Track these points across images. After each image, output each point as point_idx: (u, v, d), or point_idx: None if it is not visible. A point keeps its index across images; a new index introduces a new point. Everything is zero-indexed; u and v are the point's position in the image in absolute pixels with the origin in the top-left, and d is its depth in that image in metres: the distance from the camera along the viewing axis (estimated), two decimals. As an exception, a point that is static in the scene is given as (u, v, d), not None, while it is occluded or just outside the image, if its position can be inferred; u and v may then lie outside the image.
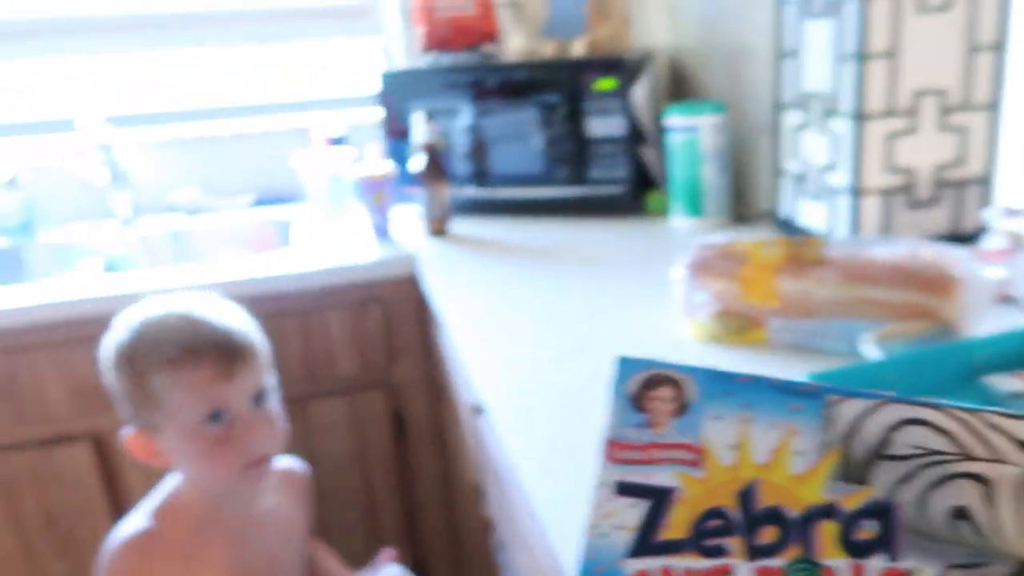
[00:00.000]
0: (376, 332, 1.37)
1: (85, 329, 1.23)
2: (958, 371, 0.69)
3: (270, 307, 1.26)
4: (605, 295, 1.05)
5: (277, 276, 1.29)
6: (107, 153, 1.65)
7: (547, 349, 0.90)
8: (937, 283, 0.77)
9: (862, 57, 0.97)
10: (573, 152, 1.44)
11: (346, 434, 1.40)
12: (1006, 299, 0.88)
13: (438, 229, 1.42)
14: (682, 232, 1.33)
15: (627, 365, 0.41)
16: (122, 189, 1.66)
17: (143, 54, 1.78)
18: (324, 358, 1.36)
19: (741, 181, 1.40)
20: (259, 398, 0.98)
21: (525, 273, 1.17)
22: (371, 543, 1.46)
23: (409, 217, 1.55)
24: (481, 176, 1.51)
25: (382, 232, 1.44)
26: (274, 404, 1.01)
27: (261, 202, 1.76)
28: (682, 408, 0.39)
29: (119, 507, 1.34)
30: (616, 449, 0.39)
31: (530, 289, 1.10)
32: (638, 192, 1.45)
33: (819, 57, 1.06)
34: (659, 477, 0.38)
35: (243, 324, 0.98)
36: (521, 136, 1.46)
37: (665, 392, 0.40)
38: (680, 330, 0.92)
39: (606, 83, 1.38)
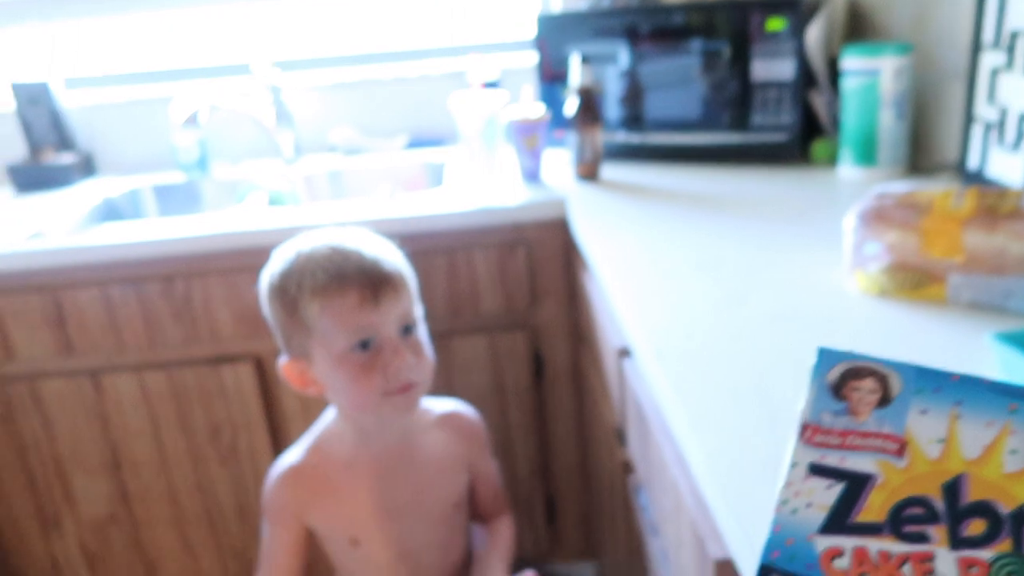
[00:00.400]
0: (521, 273, 1.37)
1: (250, 258, 1.31)
2: None
3: (419, 244, 1.28)
4: (763, 243, 1.00)
5: (428, 215, 1.32)
6: (275, 95, 1.73)
7: (700, 295, 0.87)
8: None
9: (1085, -15, 0.86)
10: (735, 97, 1.37)
11: (485, 371, 1.43)
12: None
13: (588, 173, 1.40)
14: (851, 182, 1.23)
15: (828, 356, 0.42)
16: (286, 129, 1.74)
17: (309, 1, 1.85)
18: (469, 296, 1.38)
19: (920, 129, 1.28)
20: (407, 328, 0.99)
21: (678, 219, 1.13)
22: (506, 480, 1.49)
23: (559, 161, 1.53)
24: (635, 121, 1.46)
25: (533, 175, 1.43)
26: (421, 335, 1.02)
27: (415, 144, 1.80)
28: (884, 400, 0.40)
29: (275, 423, 1.43)
30: (812, 433, 0.41)
31: (683, 235, 1.06)
32: (804, 139, 1.36)
33: (1030, -13, 0.94)
34: (855, 462, 0.40)
35: (391, 255, 1.00)
36: (680, 80, 1.40)
37: (868, 383, 0.41)
38: (845, 282, 0.86)
39: (776, 23, 1.30)
